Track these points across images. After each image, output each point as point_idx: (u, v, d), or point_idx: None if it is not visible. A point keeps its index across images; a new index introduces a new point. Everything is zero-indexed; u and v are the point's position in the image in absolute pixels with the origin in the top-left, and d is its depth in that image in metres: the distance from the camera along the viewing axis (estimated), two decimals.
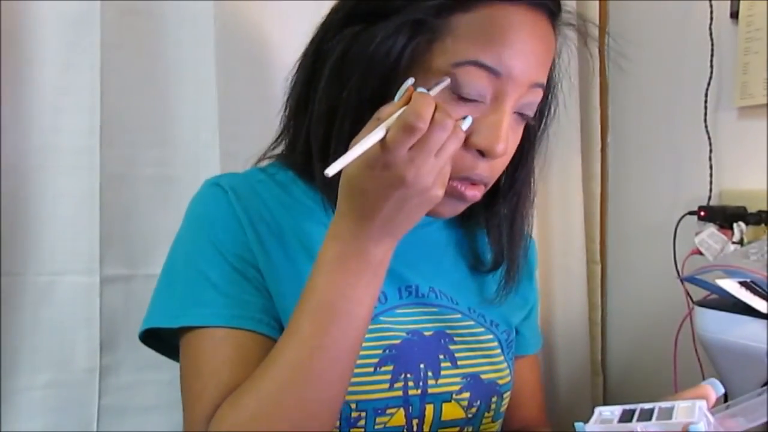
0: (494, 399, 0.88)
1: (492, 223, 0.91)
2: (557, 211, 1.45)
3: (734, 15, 1.22)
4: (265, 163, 0.91)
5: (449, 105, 0.72)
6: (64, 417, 1.08)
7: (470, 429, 0.86)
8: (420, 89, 0.67)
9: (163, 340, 0.83)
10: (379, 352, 0.80)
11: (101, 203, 1.08)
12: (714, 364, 0.97)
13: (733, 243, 1.18)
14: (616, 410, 0.65)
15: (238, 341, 0.76)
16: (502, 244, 0.91)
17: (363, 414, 0.79)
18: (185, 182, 1.12)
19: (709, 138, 1.26)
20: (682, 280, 1.15)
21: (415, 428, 0.82)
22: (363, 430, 0.80)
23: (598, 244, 1.52)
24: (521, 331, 0.99)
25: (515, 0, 0.74)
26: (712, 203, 1.26)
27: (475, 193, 0.77)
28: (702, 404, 0.62)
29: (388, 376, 0.81)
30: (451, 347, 0.86)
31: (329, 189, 0.79)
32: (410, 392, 0.82)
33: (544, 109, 0.88)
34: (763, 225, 1.17)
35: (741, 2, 1.20)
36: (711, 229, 1.21)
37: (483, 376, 0.87)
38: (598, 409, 0.66)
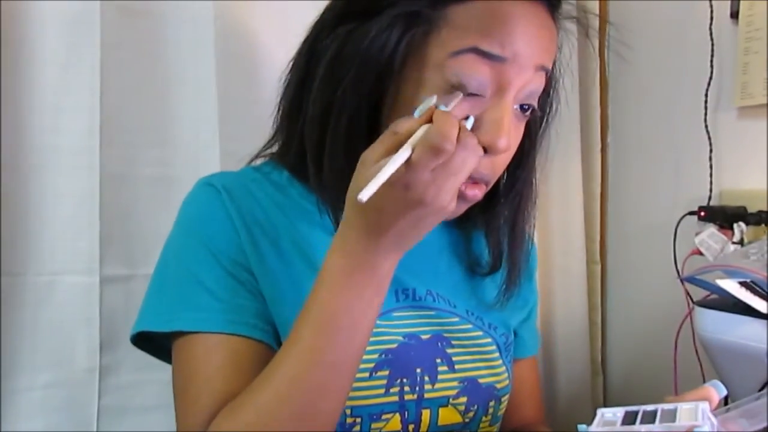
0: (492, 403, 0.87)
1: (492, 226, 0.90)
2: (557, 211, 1.45)
3: (734, 15, 1.22)
4: (259, 161, 0.90)
5: (456, 110, 0.69)
6: (64, 417, 1.07)
7: None
8: (432, 99, 0.66)
9: (155, 342, 0.82)
10: (375, 356, 0.79)
11: (101, 203, 1.08)
12: (714, 364, 0.97)
13: (733, 243, 1.18)
14: (619, 412, 0.65)
15: (232, 347, 0.75)
16: (502, 247, 0.90)
17: (358, 420, 0.79)
18: (185, 182, 1.10)
19: (709, 138, 1.26)
20: (682, 280, 1.15)
21: None
22: None
23: (598, 244, 1.52)
24: (520, 333, 0.99)
25: None
26: (712, 203, 1.26)
27: (476, 193, 0.75)
28: (705, 406, 0.62)
29: (384, 381, 0.80)
30: (449, 351, 0.85)
31: (325, 192, 0.79)
32: (406, 397, 0.81)
33: (545, 105, 0.86)
34: (763, 225, 1.17)
35: (741, 2, 1.21)
36: (711, 229, 1.21)
37: (481, 380, 0.86)
38: (600, 411, 0.66)
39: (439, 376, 0.83)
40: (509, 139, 0.72)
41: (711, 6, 1.25)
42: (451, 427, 0.84)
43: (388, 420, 0.80)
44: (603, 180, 1.52)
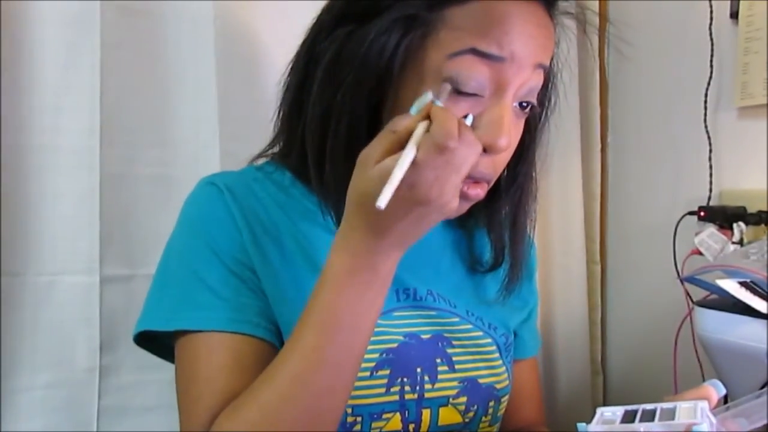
0: (492, 403, 0.87)
1: (493, 221, 0.89)
2: (557, 211, 1.45)
3: (734, 15, 1.22)
4: (260, 161, 0.90)
5: (447, 103, 0.70)
6: (64, 417, 1.07)
7: None
8: (427, 95, 0.66)
9: (157, 341, 0.82)
10: (376, 356, 0.79)
11: (101, 203, 1.08)
12: (714, 364, 0.97)
13: (733, 243, 1.18)
14: (618, 411, 0.65)
15: (234, 346, 0.75)
16: (504, 242, 0.90)
17: (359, 419, 0.79)
18: (185, 182, 1.10)
19: (709, 138, 1.26)
20: (682, 280, 1.15)
21: None
22: None
23: (598, 244, 1.52)
24: (520, 333, 0.98)
25: None
26: (712, 203, 1.26)
27: (479, 192, 0.75)
28: (704, 405, 0.62)
29: (385, 381, 0.80)
30: (449, 351, 0.85)
31: (327, 194, 0.79)
32: (407, 396, 0.81)
33: (544, 99, 0.86)
34: (763, 225, 1.17)
35: (741, 2, 1.21)
36: (711, 229, 1.21)
37: (481, 380, 0.86)
38: (599, 410, 0.66)
39: (439, 376, 0.83)
40: (509, 138, 0.73)
41: (711, 6, 1.25)
42: (452, 427, 0.84)
43: (388, 419, 0.80)
44: (603, 180, 1.52)
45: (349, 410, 0.78)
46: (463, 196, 0.73)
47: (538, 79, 0.75)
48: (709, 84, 1.26)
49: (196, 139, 1.16)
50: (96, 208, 1.08)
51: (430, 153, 0.61)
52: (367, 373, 0.78)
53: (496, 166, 0.76)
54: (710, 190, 1.26)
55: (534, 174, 0.89)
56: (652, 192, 1.43)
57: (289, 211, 0.83)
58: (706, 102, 1.26)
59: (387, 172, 0.60)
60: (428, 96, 0.67)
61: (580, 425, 0.64)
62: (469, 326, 0.88)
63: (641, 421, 0.63)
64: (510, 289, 0.91)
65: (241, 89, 1.17)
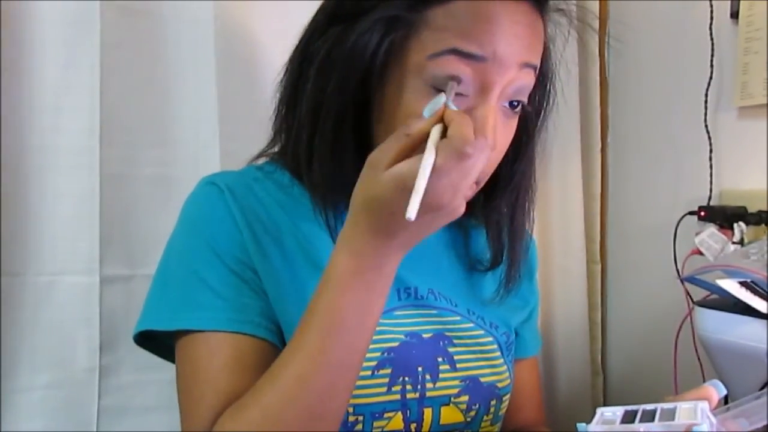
0: (493, 402, 0.87)
1: (491, 220, 0.89)
2: (557, 211, 1.45)
3: (734, 15, 1.22)
4: (261, 161, 0.90)
5: (428, 101, 0.69)
6: (64, 417, 1.08)
7: None
8: (441, 98, 0.66)
9: (158, 341, 0.82)
10: (377, 354, 0.79)
11: (101, 203, 1.08)
12: (714, 364, 0.97)
13: (733, 243, 1.18)
14: (618, 411, 0.65)
15: (235, 346, 0.75)
16: (503, 241, 0.90)
17: (360, 418, 0.79)
18: (185, 182, 1.10)
19: (709, 138, 1.26)
20: (682, 280, 1.15)
21: None
22: None
23: (598, 244, 1.52)
24: (521, 333, 0.98)
25: None
26: (712, 203, 1.26)
27: (467, 193, 0.74)
28: (704, 405, 0.62)
29: (386, 380, 0.80)
30: (450, 350, 0.85)
31: (315, 192, 0.80)
32: (408, 396, 0.81)
33: (542, 99, 0.85)
34: (763, 225, 1.17)
35: (741, 2, 1.21)
36: (711, 229, 1.21)
37: (482, 379, 0.86)
38: (599, 410, 0.66)
39: (441, 375, 0.83)
40: (495, 138, 0.72)
41: (711, 6, 1.25)
42: (453, 426, 0.84)
43: (390, 419, 0.80)
44: (603, 180, 1.52)
45: (351, 409, 0.78)
46: None
47: (526, 79, 0.74)
48: (709, 84, 1.26)
49: (196, 139, 1.16)
50: (96, 208, 1.08)
51: (450, 159, 0.61)
52: (369, 372, 0.78)
53: (485, 168, 0.76)
54: (710, 190, 1.26)
55: (532, 173, 0.88)
56: (652, 192, 1.43)
57: (290, 210, 0.83)
58: (706, 102, 1.26)
59: (403, 177, 0.61)
60: (442, 99, 0.67)
61: (580, 425, 0.64)
62: (471, 325, 0.88)
63: (641, 421, 0.63)
64: (508, 288, 0.91)
65: (241, 89, 1.17)
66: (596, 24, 1.36)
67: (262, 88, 1.16)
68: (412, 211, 0.58)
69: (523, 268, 0.94)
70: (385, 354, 0.80)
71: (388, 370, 0.80)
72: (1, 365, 1.04)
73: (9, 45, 1.02)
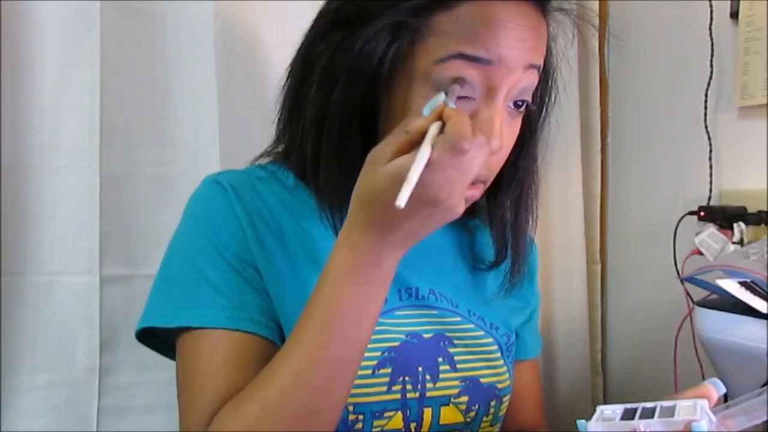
0: (493, 403, 0.87)
1: (495, 216, 0.90)
2: (557, 211, 1.45)
3: (734, 15, 1.22)
4: (264, 160, 0.90)
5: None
6: (64, 417, 1.07)
7: None
8: (440, 96, 0.67)
9: (160, 338, 0.82)
10: (378, 354, 0.80)
11: (101, 203, 1.08)
12: (714, 364, 0.97)
13: (733, 243, 1.18)
14: (618, 409, 0.65)
15: (235, 343, 0.76)
16: (506, 237, 0.90)
17: (360, 417, 0.79)
18: (185, 182, 1.11)
19: (709, 138, 1.26)
20: (682, 280, 1.15)
21: None
22: None
23: (598, 244, 1.52)
24: (521, 334, 0.98)
25: None
26: (712, 203, 1.26)
27: (474, 193, 0.76)
28: (704, 403, 0.63)
29: (386, 379, 0.80)
30: (451, 350, 0.85)
31: (322, 195, 0.80)
32: (408, 395, 0.81)
33: (544, 95, 0.86)
34: (763, 225, 1.17)
35: (741, 2, 1.21)
36: (711, 229, 1.21)
37: (482, 380, 0.86)
38: (599, 408, 0.66)
39: (441, 375, 0.83)
40: (502, 139, 0.73)
41: (711, 6, 1.25)
42: (453, 426, 0.84)
43: (390, 418, 0.80)
44: (603, 180, 1.52)
45: (351, 408, 0.78)
46: None
47: (531, 79, 0.75)
48: (709, 84, 1.26)
49: (196, 139, 1.16)
50: (96, 208, 1.08)
51: (445, 154, 0.61)
52: (369, 372, 0.79)
53: (490, 167, 0.77)
54: (710, 190, 1.26)
55: (535, 170, 0.89)
56: (652, 192, 1.43)
57: (293, 210, 0.83)
58: (706, 102, 1.27)
59: (399, 171, 0.61)
60: (441, 97, 0.67)
61: (580, 423, 0.64)
62: (471, 326, 0.88)
63: (641, 418, 0.63)
64: (512, 283, 0.91)
65: (241, 89, 1.17)
66: (596, 23, 1.37)
67: (263, 87, 1.17)
68: (401, 199, 0.58)
69: (526, 260, 0.94)
70: (386, 353, 0.80)
71: (389, 370, 0.80)
72: (1, 365, 1.03)
73: (9, 45, 1.02)
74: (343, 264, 0.67)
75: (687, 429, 0.60)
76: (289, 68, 0.84)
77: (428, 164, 0.61)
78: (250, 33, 1.18)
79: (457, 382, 0.84)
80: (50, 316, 1.06)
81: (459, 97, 0.71)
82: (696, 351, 1.16)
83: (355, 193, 0.66)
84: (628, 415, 0.64)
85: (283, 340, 0.77)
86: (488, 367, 0.87)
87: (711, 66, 1.25)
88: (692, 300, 1.17)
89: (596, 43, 1.45)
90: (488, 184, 0.79)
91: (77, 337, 1.08)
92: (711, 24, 1.25)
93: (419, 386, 0.82)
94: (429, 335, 0.84)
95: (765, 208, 1.17)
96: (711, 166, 1.26)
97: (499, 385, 0.88)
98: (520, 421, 1.00)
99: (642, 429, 0.61)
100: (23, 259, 1.05)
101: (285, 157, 0.87)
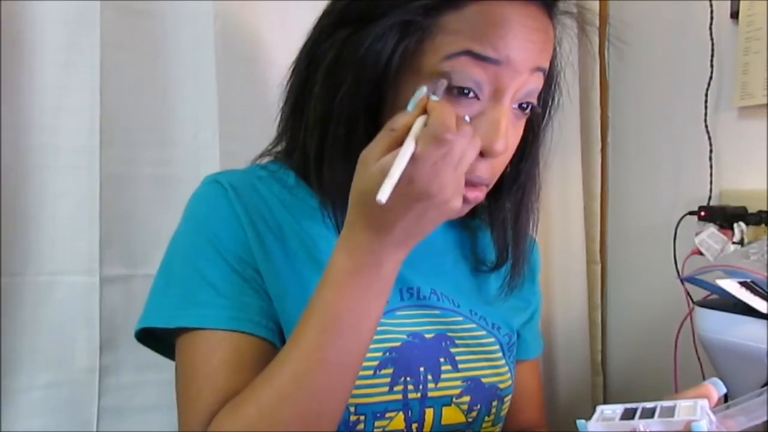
0: (495, 403, 0.87)
1: (496, 218, 0.90)
2: (557, 210, 1.45)
3: (734, 15, 1.22)
4: (265, 160, 0.90)
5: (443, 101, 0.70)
6: (64, 417, 1.07)
7: None
8: (422, 90, 0.66)
9: (159, 338, 0.82)
10: (379, 354, 0.79)
11: (101, 203, 1.08)
12: (714, 364, 0.97)
13: (733, 243, 1.18)
14: (618, 409, 0.65)
15: (235, 344, 0.76)
16: (507, 239, 0.90)
17: (362, 417, 0.79)
18: (185, 182, 1.11)
19: (709, 138, 1.26)
20: (682, 280, 1.15)
21: None
22: None
23: (598, 244, 1.52)
24: (522, 334, 0.98)
25: None
26: (712, 203, 1.26)
27: (477, 195, 0.76)
28: (704, 403, 0.63)
29: (388, 379, 0.80)
30: (452, 350, 0.85)
31: (326, 195, 0.80)
32: (410, 396, 0.81)
33: (547, 98, 0.86)
34: (763, 225, 1.17)
35: (741, 2, 1.21)
36: (711, 229, 1.21)
37: (484, 380, 0.86)
38: (599, 408, 0.66)
39: (443, 375, 0.83)
40: (506, 141, 0.73)
41: (711, 6, 1.25)
42: (455, 426, 0.84)
43: (391, 418, 0.80)
44: (603, 180, 1.52)
45: (352, 409, 0.78)
46: (463, 200, 0.72)
47: (537, 82, 0.75)
48: (709, 84, 1.26)
49: (196, 139, 1.16)
50: (96, 208, 1.08)
51: (429, 146, 0.61)
52: (371, 372, 0.79)
53: (494, 169, 0.77)
54: (710, 190, 1.26)
55: (537, 172, 0.89)
56: (652, 192, 1.43)
57: (293, 210, 0.83)
58: (706, 102, 1.26)
59: (387, 168, 0.61)
60: (423, 90, 0.67)
61: (580, 422, 0.64)
62: (473, 326, 0.88)
63: (641, 418, 0.63)
64: (512, 285, 0.91)
65: (241, 89, 1.17)
66: (597, 24, 1.37)
67: (263, 87, 1.17)
68: (382, 194, 0.59)
69: (525, 270, 0.94)
70: (387, 354, 0.80)
71: (390, 370, 0.80)
72: (1, 365, 1.03)
73: (9, 45, 1.02)
74: (342, 266, 0.67)
75: (687, 429, 0.60)
76: (293, 66, 0.84)
77: (413, 158, 0.61)
78: (250, 33, 1.18)
79: (458, 383, 0.84)
80: (50, 316, 1.06)
81: (464, 95, 0.71)
82: (696, 351, 1.16)
83: (351, 193, 0.67)
84: (628, 415, 0.64)
85: (282, 341, 0.77)
86: (490, 367, 0.87)
87: (711, 66, 1.25)
88: (692, 300, 1.16)
89: (596, 44, 1.45)
90: (491, 186, 0.79)
91: (77, 337, 1.08)
92: (711, 24, 1.25)
93: (421, 386, 0.82)
94: (430, 335, 0.84)
95: (765, 208, 1.17)
96: (711, 166, 1.26)
97: (501, 385, 0.88)
98: (521, 421, 1.00)
99: (642, 429, 0.61)
100: (23, 259, 1.05)
101: (286, 156, 0.87)
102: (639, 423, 0.62)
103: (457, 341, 0.86)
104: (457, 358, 0.85)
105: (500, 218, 0.90)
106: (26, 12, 1.03)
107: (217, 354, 0.75)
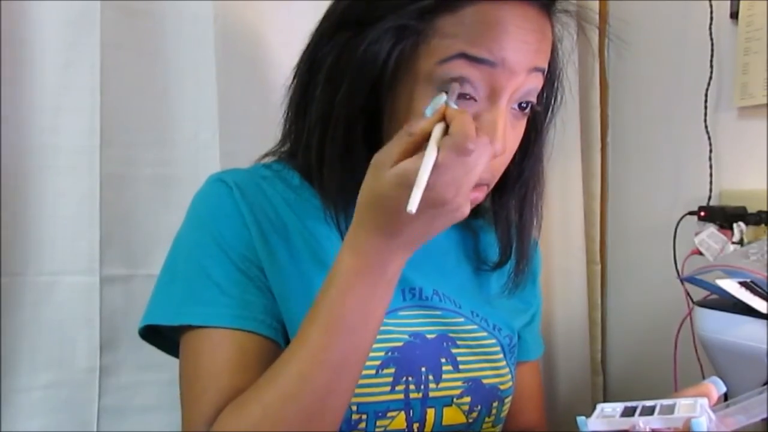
0: (495, 404, 0.87)
1: (500, 216, 0.90)
2: (557, 211, 1.45)
3: (734, 15, 1.22)
4: (269, 159, 0.90)
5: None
6: (64, 417, 1.08)
7: None
8: (441, 97, 0.67)
9: (162, 336, 0.82)
10: (382, 354, 0.80)
11: (101, 203, 1.09)
12: (714, 364, 0.97)
13: (733, 243, 1.18)
14: (618, 407, 0.65)
15: (239, 343, 0.76)
16: (511, 237, 0.90)
17: (364, 416, 0.79)
18: (185, 182, 1.12)
19: (709, 138, 1.26)
20: (682, 280, 1.15)
21: None
22: None
23: (598, 244, 1.52)
24: (523, 336, 0.99)
25: None
26: (712, 203, 1.26)
27: (478, 195, 0.76)
28: (704, 401, 0.63)
29: (390, 379, 0.80)
30: (453, 351, 0.85)
31: (327, 196, 0.80)
32: (411, 395, 0.81)
33: (549, 96, 0.86)
34: (763, 225, 1.17)
35: (741, 2, 1.20)
36: (711, 229, 1.21)
37: (484, 381, 0.86)
38: (599, 406, 0.66)
39: (444, 376, 0.84)
40: (504, 142, 0.73)
41: (711, 6, 1.25)
42: (455, 427, 0.84)
43: (393, 418, 0.80)
44: (603, 180, 1.52)
45: (354, 408, 0.78)
46: None
47: (535, 82, 0.75)
48: (709, 84, 1.26)
49: (196, 139, 1.16)
50: (96, 208, 1.08)
51: (451, 155, 0.61)
52: (373, 371, 0.79)
53: (493, 170, 0.77)
54: (710, 190, 1.26)
55: (540, 171, 0.89)
56: (652, 192, 1.43)
57: (298, 209, 0.84)
58: (706, 102, 1.26)
59: (405, 174, 0.61)
60: (443, 98, 0.68)
61: (580, 419, 0.64)
62: (474, 327, 0.88)
63: (641, 415, 0.63)
64: (516, 283, 0.92)
65: (241, 89, 1.17)
66: (597, 23, 1.37)
67: (263, 87, 1.17)
68: (413, 204, 0.59)
69: (527, 271, 0.94)
70: (389, 353, 0.80)
71: (392, 370, 0.80)
72: (1, 365, 1.04)
73: (9, 45, 1.02)
74: (349, 266, 0.67)
75: (686, 426, 0.60)
76: (296, 68, 0.84)
77: (435, 166, 0.61)
78: (250, 33, 1.18)
79: (459, 383, 0.84)
80: (50, 316, 1.06)
81: (460, 96, 0.71)
82: (696, 351, 1.16)
83: (360, 196, 0.67)
84: (628, 412, 0.64)
85: (287, 340, 0.77)
86: (491, 368, 0.88)
87: (711, 66, 1.25)
88: (692, 300, 1.16)
89: (596, 43, 1.45)
90: (491, 187, 0.79)
91: (77, 337, 1.08)
92: (711, 24, 1.25)
93: (422, 386, 0.82)
94: (432, 336, 0.85)
95: (765, 208, 1.17)
96: (711, 166, 1.26)
97: (502, 386, 0.88)
98: (521, 422, 1.00)
99: (641, 425, 0.62)
100: (23, 259, 1.05)
101: (290, 157, 0.87)
102: (639, 420, 0.62)
103: (458, 342, 0.86)
104: (459, 358, 0.85)
105: (504, 216, 0.90)
106: (26, 12, 1.03)
107: (220, 352, 0.75)
